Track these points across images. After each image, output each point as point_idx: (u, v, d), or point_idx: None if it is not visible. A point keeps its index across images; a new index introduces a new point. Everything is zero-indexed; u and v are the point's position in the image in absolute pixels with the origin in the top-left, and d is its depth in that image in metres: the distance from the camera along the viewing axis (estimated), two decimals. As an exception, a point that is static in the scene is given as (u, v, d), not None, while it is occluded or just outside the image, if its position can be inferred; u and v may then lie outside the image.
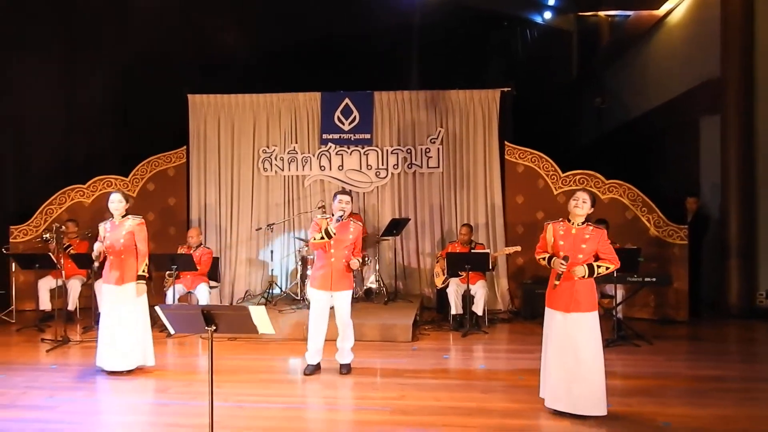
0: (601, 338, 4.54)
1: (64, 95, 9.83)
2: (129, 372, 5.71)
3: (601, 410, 4.44)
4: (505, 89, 9.33)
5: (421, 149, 9.46)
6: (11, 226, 9.23)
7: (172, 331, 4.03)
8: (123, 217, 5.84)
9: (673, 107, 10.30)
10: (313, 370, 5.81)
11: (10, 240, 9.15)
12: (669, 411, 4.69)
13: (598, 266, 4.55)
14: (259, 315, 3.74)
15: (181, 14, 9.46)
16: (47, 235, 6.52)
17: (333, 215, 5.71)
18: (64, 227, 8.13)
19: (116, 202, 5.79)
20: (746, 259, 8.66)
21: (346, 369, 5.79)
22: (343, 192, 5.96)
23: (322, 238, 5.63)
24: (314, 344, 5.79)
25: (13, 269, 8.37)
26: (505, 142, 9.26)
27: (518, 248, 7.77)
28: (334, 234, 5.64)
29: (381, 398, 5.09)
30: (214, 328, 3.77)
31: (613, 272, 4.74)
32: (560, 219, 4.75)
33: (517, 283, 9.04)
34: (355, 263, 5.72)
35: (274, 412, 4.78)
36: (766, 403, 5.01)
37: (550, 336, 4.62)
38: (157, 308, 3.85)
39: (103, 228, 5.86)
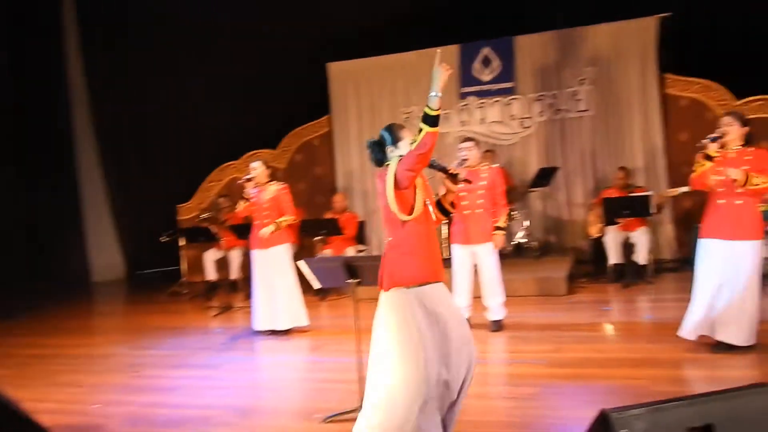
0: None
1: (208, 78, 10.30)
2: (284, 332, 5.89)
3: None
4: (664, 15, 8.33)
5: (568, 92, 8.77)
6: (177, 205, 9.94)
7: (315, 286, 4.04)
8: (267, 183, 5.99)
9: None
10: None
11: (177, 218, 9.87)
12: None
13: (755, 176, 4.11)
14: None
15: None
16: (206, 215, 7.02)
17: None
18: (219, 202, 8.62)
19: (253, 169, 5.95)
20: None
21: (496, 326, 5.52)
22: (464, 140, 5.56)
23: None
24: (459, 301, 5.59)
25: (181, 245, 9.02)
26: (666, 75, 8.33)
27: (689, 188, 6.92)
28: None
29: (535, 351, 4.80)
30: (358, 280, 3.71)
31: None
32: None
33: (685, 229, 8.16)
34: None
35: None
36: None
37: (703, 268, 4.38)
38: (300, 262, 3.86)
39: (247, 193, 5.99)
